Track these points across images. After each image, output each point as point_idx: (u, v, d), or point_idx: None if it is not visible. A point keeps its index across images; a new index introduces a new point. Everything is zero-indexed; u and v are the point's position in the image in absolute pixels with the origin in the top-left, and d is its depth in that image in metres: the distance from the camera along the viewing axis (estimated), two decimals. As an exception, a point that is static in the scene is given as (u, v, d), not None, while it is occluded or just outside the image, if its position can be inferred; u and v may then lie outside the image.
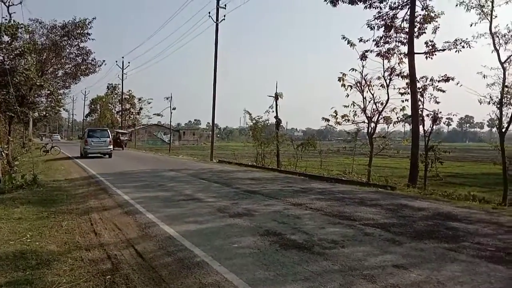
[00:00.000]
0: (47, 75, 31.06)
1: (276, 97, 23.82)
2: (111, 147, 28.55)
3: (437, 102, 16.87)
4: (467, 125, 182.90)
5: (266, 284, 4.38)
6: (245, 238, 6.30)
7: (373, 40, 17.99)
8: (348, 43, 17.93)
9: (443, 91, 16.79)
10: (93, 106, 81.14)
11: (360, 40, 18.07)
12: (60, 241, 6.28)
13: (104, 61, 36.28)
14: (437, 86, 16.76)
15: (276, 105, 23.90)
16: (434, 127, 17.26)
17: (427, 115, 16.76)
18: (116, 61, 69.56)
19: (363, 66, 17.86)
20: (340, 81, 18.10)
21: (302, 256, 5.37)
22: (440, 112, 16.45)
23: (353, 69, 17.86)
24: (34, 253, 5.56)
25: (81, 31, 31.43)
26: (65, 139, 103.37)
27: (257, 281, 4.46)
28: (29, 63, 21.89)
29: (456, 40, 16.19)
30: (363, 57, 17.84)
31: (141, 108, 68.20)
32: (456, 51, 16.21)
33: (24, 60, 21.05)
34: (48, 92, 27.52)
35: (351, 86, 18.01)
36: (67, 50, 33.31)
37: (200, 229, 6.93)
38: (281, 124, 25.17)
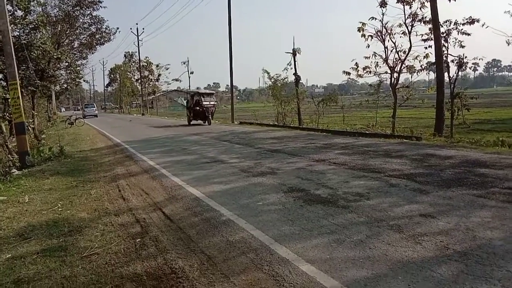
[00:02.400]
0: (64, 47, 31.11)
1: (294, 53, 23.27)
2: (97, 112, 50.11)
3: (462, 47, 16.14)
4: (495, 69, 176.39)
5: (292, 239, 4.41)
6: (269, 196, 6.34)
7: (392, -16, 17.10)
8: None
9: (468, 35, 16.00)
10: (112, 76, 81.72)
11: (379, -14, 17.22)
12: (90, 208, 6.46)
13: (118, 28, 36.45)
14: (461, 29, 15.94)
15: (295, 61, 23.41)
16: (460, 73, 16.71)
17: (452, 61, 16.11)
18: (131, 28, 69.25)
19: (383, 14, 17.11)
20: (359, 31, 17.45)
21: (327, 210, 5.37)
22: (466, 57, 15.77)
23: (373, 18, 17.15)
24: (66, 221, 5.74)
25: (92, 0, 31.14)
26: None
27: (283, 236, 4.50)
28: (45, 36, 21.96)
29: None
30: (383, 4, 17.04)
31: (159, 75, 68.23)
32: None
33: (39, 34, 21.09)
34: (66, 64, 27.72)
35: (371, 36, 17.34)
36: (81, 20, 33.20)
37: (225, 189, 7.00)
38: (300, 81, 24.73)
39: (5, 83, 17.17)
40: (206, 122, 25.78)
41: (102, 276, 3.88)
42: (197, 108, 26.10)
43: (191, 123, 27.19)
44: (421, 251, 3.87)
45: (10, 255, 4.56)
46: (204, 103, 25.51)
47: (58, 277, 3.90)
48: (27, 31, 20.27)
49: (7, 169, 10.83)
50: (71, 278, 3.87)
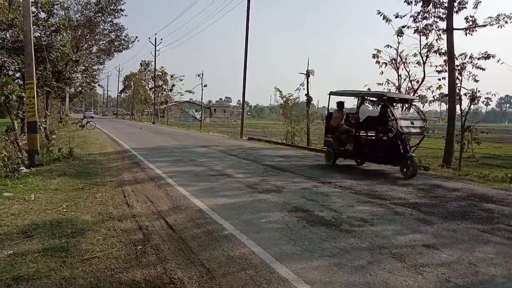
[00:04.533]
0: (82, 51, 31.73)
1: (308, 74, 23.45)
2: (93, 115, 58.70)
3: (476, 81, 16.20)
4: (507, 105, 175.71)
5: (293, 259, 4.40)
6: (273, 214, 6.33)
7: (410, 16, 17.32)
8: (383, 19, 17.36)
9: (483, 69, 16.07)
10: (126, 83, 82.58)
11: (397, 16, 17.44)
12: (94, 211, 6.50)
13: (137, 37, 37.10)
14: (476, 63, 16.05)
15: (308, 82, 23.52)
16: (472, 106, 16.69)
17: (465, 94, 16.16)
18: (149, 38, 70.17)
19: (398, 43, 17.29)
20: (374, 57, 17.63)
21: (330, 233, 5.35)
22: (479, 91, 15.81)
23: (388, 46, 17.36)
24: (69, 222, 5.78)
25: (114, 7, 31.80)
26: (100, 114, 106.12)
27: (284, 256, 4.49)
28: (65, 39, 22.42)
29: (499, 15, 15.39)
30: (400, 33, 17.24)
31: (173, 85, 68.73)
32: (498, 27, 15.43)
33: (60, 36, 21.53)
34: (83, 68, 28.20)
35: (386, 63, 17.52)
36: (101, 26, 33.92)
37: (229, 204, 7.01)
38: (312, 102, 24.83)
39: (21, 82, 17.50)
40: (404, 168, 10.48)
41: (101, 280, 3.89)
42: (380, 134, 11.14)
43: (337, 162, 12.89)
44: (422, 282, 3.84)
45: (11, 251, 4.59)
46: (401, 123, 10.49)
47: (57, 278, 3.91)
48: (48, 33, 20.72)
49: (15, 166, 10.95)
50: (70, 279, 3.88)
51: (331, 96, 13.00)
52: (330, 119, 12.81)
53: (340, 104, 12.69)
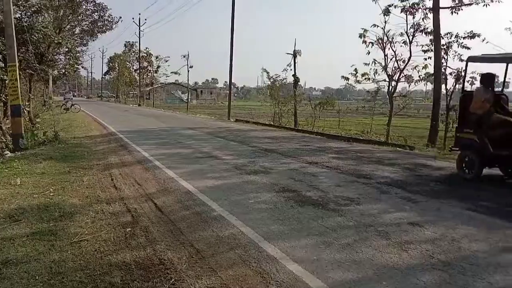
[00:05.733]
0: (65, 33, 31.03)
1: (295, 54, 23.33)
2: (72, 98, 55.86)
3: (462, 60, 16.30)
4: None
5: (281, 238, 4.47)
6: (261, 194, 6.39)
7: (397, -6, 17.23)
8: (370, -2, 17.24)
9: (468, 48, 16.17)
10: (111, 64, 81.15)
11: (384, -5, 17.39)
12: (81, 195, 6.47)
13: (120, 17, 36.23)
14: (462, 43, 16.15)
15: (295, 63, 23.44)
16: (457, 86, 16.82)
17: (450, 74, 16.33)
18: (133, 18, 68.84)
19: (385, 22, 17.24)
20: (361, 37, 17.59)
21: (317, 212, 5.43)
22: (464, 71, 15.94)
23: (375, 25, 17.30)
24: (57, 206, 5.75)
25: (97, -13, 31.04)
26: (85, 97, 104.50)
27: (272, 235, 4.56)
28: (47, 20, 21.92)
29: (484, -7, 15.41)
30: (387, 12, 17.17)
31: (158, 66, 67.78)
32: (484, 5, 15.48)
33: (41, 17, 21.01)
34: (66, 49, 27.60)
35: (372, 43, 17.50)
36: (84, 7, 33.18)
37: (218, 185, 7.05)
38: (299, 83, 24.80)
39: (3, 65, 17.10)
40: None
41: (91, 262, 3.91)
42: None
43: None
44: (407, 258, 3.94)
45: (-1, 236, 4.58)
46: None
47: (46, 261, 3.92)
48: (29, 13, 20.18)
49: (0, 150, 10.81)
50: (60, 262, 3.89)
51: (468, 63, 9.21)
52: (469, 102, 7.98)
53: (490, 79, 8.15)
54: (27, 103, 20.10)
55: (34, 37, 19.57)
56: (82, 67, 51.49)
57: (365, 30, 17.53)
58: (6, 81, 13.22)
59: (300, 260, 3.89)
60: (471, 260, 3.93)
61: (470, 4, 15.95)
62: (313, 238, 4.47)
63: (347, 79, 18.84)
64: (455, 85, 16.43)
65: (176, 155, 10.43)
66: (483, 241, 4.45)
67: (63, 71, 30.62)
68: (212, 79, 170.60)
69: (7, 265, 3.81)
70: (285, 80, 24.72)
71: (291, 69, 23.69)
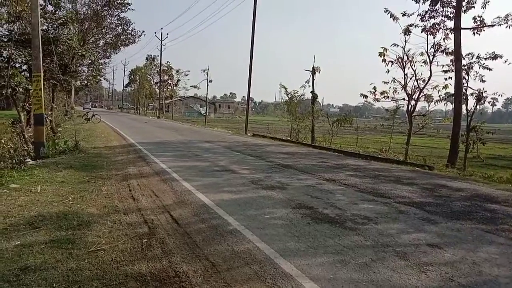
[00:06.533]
0: (89, 45, 31.79)
1: (313, 71, 23.42)
2: (91, 108, 60.75)
3: (483, 81, 16.19)
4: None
5: (297, 255, 4.42)
6: (277, 210, 6.36)
7: (418, 14, 17.26)
8: (391, 17, 17.28)
9: (490, 69, 16.03)
10: (132, 77, 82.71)
11: (404, 15, 17.37)
12: (100, 204, 6.55)
13: (143, 31, 37.09)
14: (483, 64, 16.01)
15: (313, 79, 23.53)
16: (478, 106, 16.64)
17: (471, 94, 16.14)
18: (155, 32, 70.31)
19: (405, 41, 17.20)
20: (380, 56, 17.56)
21: (334, 230, 5.37)
22: (485, 91, 15.77)
23: (395, 44, 17.27)
24: (75, 215, 5.83)
25: (122, 1, 31.82)
26: (105, 108, 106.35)
27: (288, 252, 4.52)
28: (72, 32, 22.46)
29: (507, 15, 15.31)
30: (407, 31, 17.14)
31: (178, 80, 68.81)
32: (507, 27, 15.34)
33: (66, 30, 21.59)
34: (90, 61, 28.23)
35: (392, 62, 17.45)
36: (108, 20, 33.99)
37: (234, 199, 7.04)
38: (317, 100, 24.81)
39: (28, 74, 17.57)
40: None
41: (107, 272, 3.93)
42: None
43: None
44: (426, 280, 3.86)
45: (19, 242, 4.65)
46: None
47: (64, 269, 3.96)
48: (55, 25, 20.76)
49: (21, 158, 11.02)
50: (77, 271, 3.93)
51: None
52: None
53: None
54: (49, 113, 20.56)
55: (59, 49, 20.10)
56: (104, 79, 52.53)
57: (385, 49, 17.51)
58: (31, 91, 13.54)
59: (316, 278, 3.84)
60: (493, 285, 3.82)
61: (493, 26, 15.81)
62: (330, 257, 4.41)
63: (366, 96, 18.78)
64: (475, 106, 16.23)
65: (193, 168, 10.49)
66: (505, 265, 4.33)
67: (86, 82, 31.27)
68: (230, 93, 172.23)
69: (25, 272, 3.86)
70: (303, 96, 24.77)
71: (309, 86, 23.77)
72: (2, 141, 13.09)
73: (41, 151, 11.64)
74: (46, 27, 20.11)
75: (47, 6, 20.43)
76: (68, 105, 39.03)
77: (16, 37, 17.38)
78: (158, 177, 9.09)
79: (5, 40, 16.68)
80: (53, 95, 24.24)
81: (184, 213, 6.14)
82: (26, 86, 15.19)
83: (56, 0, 20.42)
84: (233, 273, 3.97)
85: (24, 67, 18.44)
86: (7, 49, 15.73)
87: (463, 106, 15.96)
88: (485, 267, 4.27)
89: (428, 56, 17.03)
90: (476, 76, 16.22)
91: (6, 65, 15.48)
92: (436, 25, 17.16)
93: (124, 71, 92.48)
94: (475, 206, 7.21)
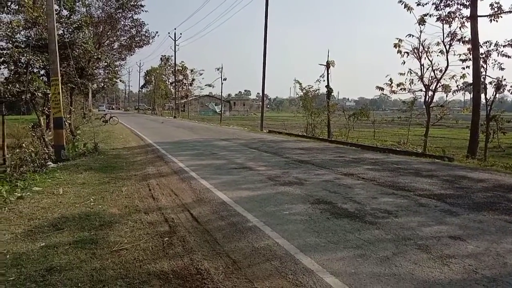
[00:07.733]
0: (104, 48, 32.23)
1: (328, 65, 23.25)
2: (106, 109, 61.47)
3: (502, 69, 15.85)
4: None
5: (317, 250, 4.42)
6: (296, 206, 6.36)
7: (432, 3, 16.94)
8: (405, 7, 17.00)
9: (509, 57, 15.67)
10: (147, 78, 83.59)
11: (418, 4, 17.10)
12: (120, 204, 6.65)
13: (157, 32, 37.35)
14: (502, 51, 15.65)
15: (328, 74, 23.35)
16: (497, 95, 16.29)
17: (490, 83, 15.83)
18: (169, 33, 70.77)
19: (421, 31, 16.94)
20: (395, 47, 17.35)
21: (354, 224, 5.35)
22: (505, 79, 15.45)
23: (410, 35, 17.04)
24: (97, 215, 5.94)
25: (135, 3, 32.13)
26: (122, 109, 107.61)
27: (308, 247, 4.52)
28: (87, 36, 22.78)
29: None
30: (422, 21, 16.86)
31: (193, 79, 69.22)
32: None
33: (82, 33, 21.91)
34: (105, 64, 28.61)
35: (407, 53, 17.23)
36: (122, 23, 34.39)
37: (252, 196, 7.07)
38: (332, 94, 24.63)
39: (46, 79, 17.91)
40: None
41: (130, 271, 4.00)
42: None
43: None
44: (449, 273, 3.82)
45: (44, 243, 4.76)
46: None
47: (88, 269, 4.04)
48: (70, 30, 21.10)
49: (43, 161, 11.27)
50: (101, 270, 4.00)
51: None
52: None
53: None
54: (68, 116, 20.93)
55: (75, 52, 20.43)
56: (120, 81, 53.10)
57: (400, 40, 17.29)
58: (49, 95, 13.80)
59: (338, 273, 3.83)
60: (518, 276, 3.75)
61: (510, 12, 15.44)
62: (350, 251, 4.40)
63: (382, 89, 18.58)
64: (495, 94, 15.92)
65: (210, 166, 10.55)
66: (530, 256, 4.25)
67: (102, 84, 31.74)
68: (245, 90, 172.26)
69: (51, 272, 3.95)
70: (318, 91, 24.64)
71: (324, 80, 23.63)
72: (24, 145, 13.39)
73: (62, 154, 11.87)
74: (62, 32, 20.46)
75: (62, 11, 20.82)
76: (85, 108, 39.63)
77: (33, 42, 17.74)
78: (176, 176, 9.18)
79: (23, 46, 17.03)
80: (71, 99, 24.68)
81: (204, 211, 6.19)
82: (45, 90, 15.51)
83: (71, 4, 20.74)
84: (254, 269, 3.99)
85: (42, 71, 18.83)
86: (25, 54, 16.06)
87: (482, 95, 15.65)
88: (510, 258, 4.19)
89: (444, 46, 16.76)
90: (494, 64, 15.89)
91: (25, 70, 15.81)
92: (452, 14, 16.81)
93: (140, 72, 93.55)
94: (497, 196, 7.08)
